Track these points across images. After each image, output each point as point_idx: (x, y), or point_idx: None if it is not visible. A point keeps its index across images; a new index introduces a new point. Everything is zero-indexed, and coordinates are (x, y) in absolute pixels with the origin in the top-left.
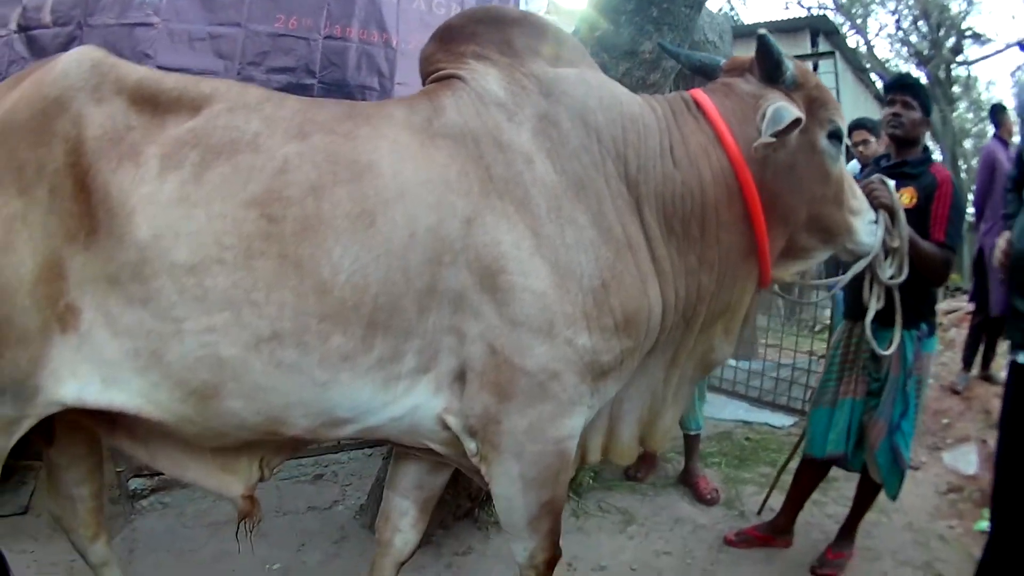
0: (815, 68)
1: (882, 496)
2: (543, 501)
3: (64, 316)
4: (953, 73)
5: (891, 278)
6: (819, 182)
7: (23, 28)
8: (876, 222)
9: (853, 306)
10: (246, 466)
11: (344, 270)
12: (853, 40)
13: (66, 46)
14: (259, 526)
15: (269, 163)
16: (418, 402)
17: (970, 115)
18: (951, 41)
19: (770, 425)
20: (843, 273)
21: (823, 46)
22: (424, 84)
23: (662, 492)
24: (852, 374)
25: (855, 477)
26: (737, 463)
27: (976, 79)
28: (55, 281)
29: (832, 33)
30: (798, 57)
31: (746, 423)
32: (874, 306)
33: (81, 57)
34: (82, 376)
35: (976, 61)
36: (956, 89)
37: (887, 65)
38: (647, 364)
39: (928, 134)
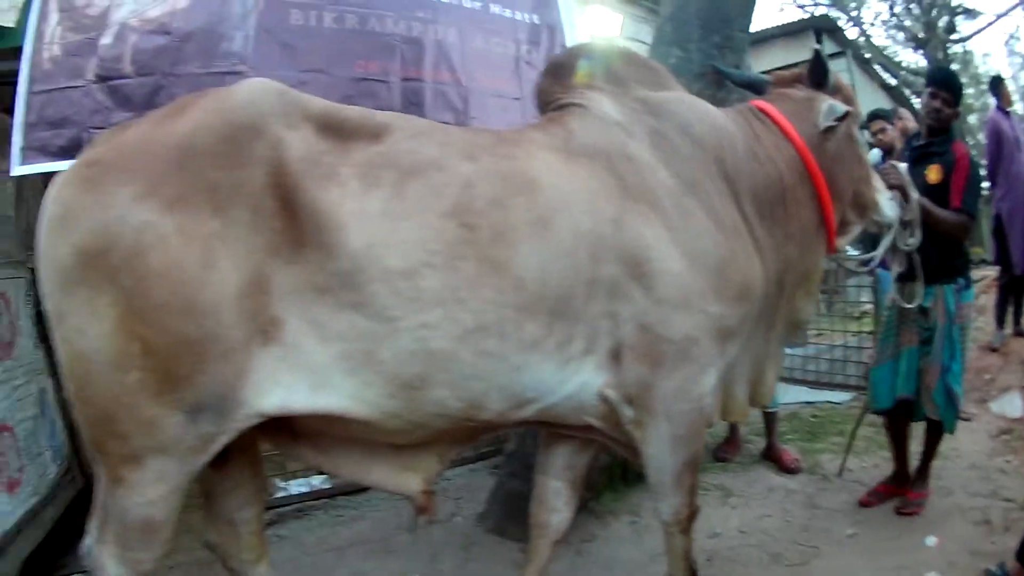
0: None
1: (945, 443)
2: (687, 458)
3: (266, 328)
4: (950, 51)
5: (908, 244)
6: (857, 165)
7: (102, 78)
8: (893, 199)
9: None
10: (425, 462)
11: (531, 267)
12: (851, 32)
13: (153, 95)
14: (385, 543)
15: (454, 180)
16: (585, 380)
17: (971, 90)
18: (944, 20)
19: (831, 402)
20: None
21: (829, 45)
22: (542, 114)
23: (750, 468)
24: (906, 327)
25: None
26: (810, 436)
27: (972, 54)
28: (258, 295)
29: (836, 31)
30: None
31: (809, 403)
32: (895, 268)
33: (265, 87)
34: (287, 385)
35: (970, 37)
36: (955, 66)
37: (886, 52)
38: (750, 331)
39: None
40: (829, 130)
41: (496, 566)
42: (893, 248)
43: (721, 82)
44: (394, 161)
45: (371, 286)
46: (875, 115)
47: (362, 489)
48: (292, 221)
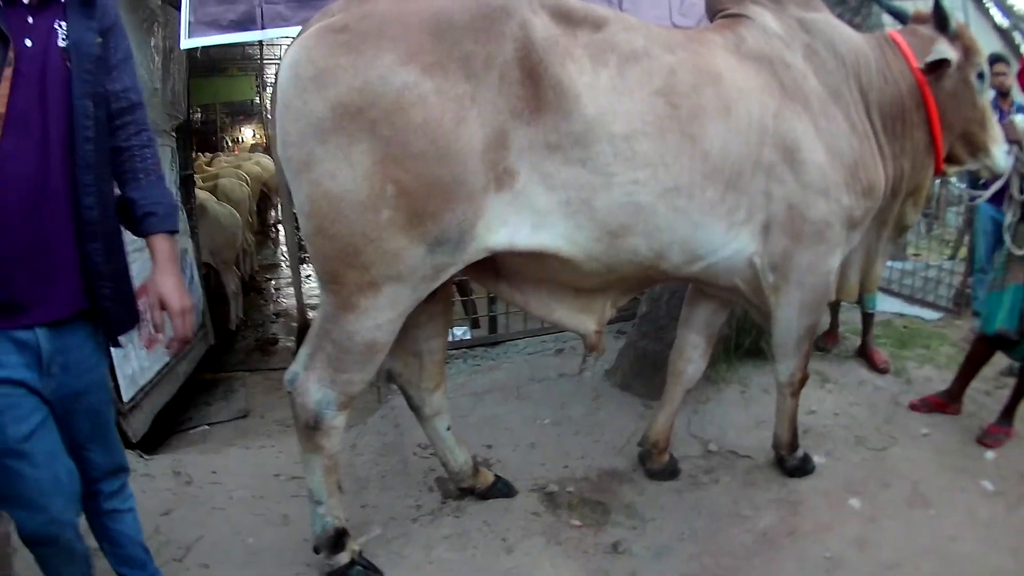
0: None
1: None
2: (809, 324)
3: (501, 177)
4: None
5: (1021, 193)
6: (970, 107)
7: None
8: (1009, 152)
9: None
10: (600, 306)
11: (717, 143)
12: None
13: None
14: (519, 391)
15: (661, 67)
16: (741, 245)
17: None
18: None
19: (921, 318)
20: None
21: None
22: (711, 20)
23: (845, 361)
24: (1014, 263)
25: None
26: (899, 344)
27: None
28: (498, 149)
29: None
30: None
31: (902, 315)
32: (1009, 217)
33: None
34: (513, 224)
35: None
36: None
37: None
38: (868, 225)
39: None
40: (937, 66)
41: (621, 416)
42: (1010, 196)
43: (858, 10)
44: (614, 47)
45: (597, 146)
46: (998, 58)
47: (498, 342)
48: (535, 89)
